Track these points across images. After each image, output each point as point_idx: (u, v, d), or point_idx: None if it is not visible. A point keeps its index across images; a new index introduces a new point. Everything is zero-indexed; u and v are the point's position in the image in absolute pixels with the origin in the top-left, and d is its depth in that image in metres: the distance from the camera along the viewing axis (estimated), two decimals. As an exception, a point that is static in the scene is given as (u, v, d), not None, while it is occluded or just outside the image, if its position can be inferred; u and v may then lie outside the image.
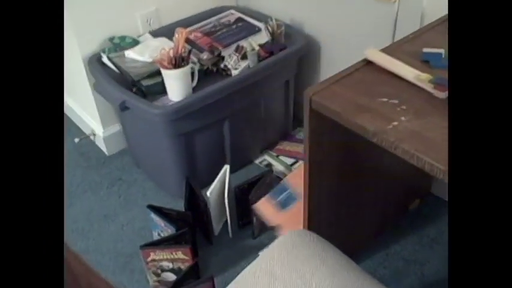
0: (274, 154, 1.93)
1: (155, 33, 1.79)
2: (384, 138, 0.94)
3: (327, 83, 1.08)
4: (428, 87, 1.02)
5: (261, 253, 1.53)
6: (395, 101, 1.02)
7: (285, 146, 1.96)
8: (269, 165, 1.88)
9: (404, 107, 1.00)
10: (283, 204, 1.51)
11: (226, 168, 1.62)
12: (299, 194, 1.49)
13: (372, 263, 1.51)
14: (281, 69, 1.74)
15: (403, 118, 0.97)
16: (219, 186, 1.59)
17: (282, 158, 1.91)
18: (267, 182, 1.66)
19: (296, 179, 1.55)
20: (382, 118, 0.98)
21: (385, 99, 1.02)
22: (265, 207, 1.51)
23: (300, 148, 1.94)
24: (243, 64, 1.67)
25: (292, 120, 1.99)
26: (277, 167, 1.87)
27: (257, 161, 1.90)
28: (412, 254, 1.53)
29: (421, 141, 0.92)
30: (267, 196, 1.52)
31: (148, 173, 1.86)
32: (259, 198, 1.54)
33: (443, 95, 1.00)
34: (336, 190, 1.32)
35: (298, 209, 1.47)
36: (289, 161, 1.89)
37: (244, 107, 1.71)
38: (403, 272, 1.48)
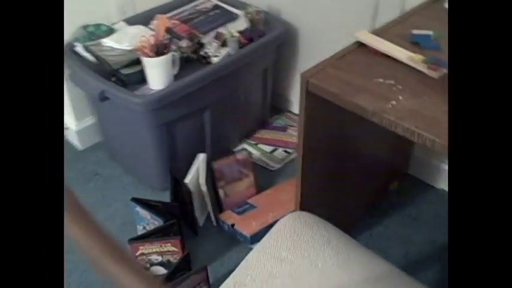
0: (253, 142, 1.92)
1: (130, 21, 1.74)
2: (383, 117, 0.96)
3: (322, 66, 1.09)
4: (422, 68, 1.05)
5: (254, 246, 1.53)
6: (391, 81, 1.04)
7: (263, 134, 1.96)
8: (248, 154, 1.87)
9: (400, 87, 1.02)
10: (241, 212, 1.61)
11: (202, 156, 1.61)
12: (259, 206, 1.62)
13: (358, 245, 1.54)
14: (261, 56, 1.74)
15: (400, 97, 1.00)
16: (197, 176, 1.58)
17: (260, 146, 1.91)
18: (239, 158, 1.67)
19: (261, 199, 1.66)
20: (380, 98, 1.00)
21: (380, 80, 1.04)
22: (228, 216, 1.60)
23: (278, 136, 1.95)
24: (224, 51, 1.66)
25: (269, 109, 2.00)
26: (257, 155, 1.87)
27: (236, 150, 1.89)
28: (395, 234, 1.58)
29: (421, 118, 0.94)
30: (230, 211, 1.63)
31: (126, 167, 1.81)
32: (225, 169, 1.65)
33: (437, 74, 1.03)
34: (326, 173, 1.33)
35: (251, 214, 1.60)
36: (268, 148, 1.90)
37: (225, 96, 1.70)
38: (387, 251, 1.52)
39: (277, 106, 2.05)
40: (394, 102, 0.98)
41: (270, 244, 1.01)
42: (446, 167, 1.64)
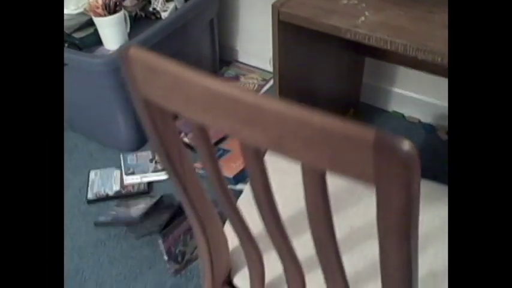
0: (209, 95, 1.96)
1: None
2: (357, 32, 1.06)
3: (289, -5, 1.16)
4: (379, -14, 1.15)
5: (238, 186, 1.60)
6: (355, 2, 1.13)
7: (217, 86, 2.00)
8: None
9: (364, 5, 1.12)
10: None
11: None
12: (232, 150, 1.67)
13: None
14: (206, 6, 1.77)
15: (367, 13, 1.09)
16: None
17: (217, 97, 1.95)
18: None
19: (232, 143, 1.71)
20: (349, 16, 1.09)
21: (345, 1, 1.13)
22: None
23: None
24: (170, 5, 1.67)
25: (218, 61, 2.04)
26: (216, 106, 1.91)
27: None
28: (358, 156, 1.71)
29: (390, 28, 1.05)
30: None
31: (88, 135, 1.78)
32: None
33: (393, -10, 1.13)
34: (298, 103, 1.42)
35: (228, 158, 1.66)
36: (225, 99, 1.95)
37: (178, 50, 1.72)
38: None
39: (224, 58, 2.09)
40: (362, 18, 1.08)
41: (271, 161, 1.08)
42: (395, 90, 1.79)
